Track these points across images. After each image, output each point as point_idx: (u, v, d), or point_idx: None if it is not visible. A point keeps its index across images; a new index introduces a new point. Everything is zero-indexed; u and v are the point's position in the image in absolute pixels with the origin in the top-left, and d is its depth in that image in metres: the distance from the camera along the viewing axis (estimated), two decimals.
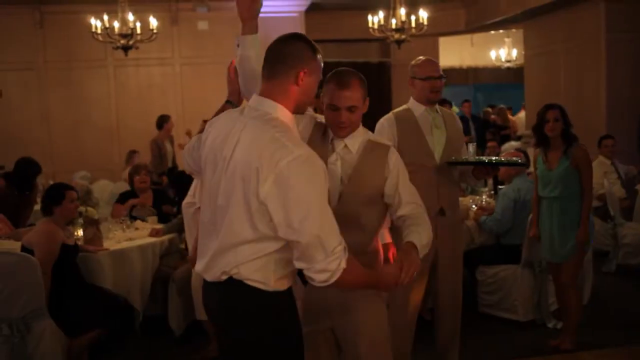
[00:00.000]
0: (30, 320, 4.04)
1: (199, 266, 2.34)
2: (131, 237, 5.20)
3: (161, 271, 5.27)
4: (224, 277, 2.22)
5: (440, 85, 3.78)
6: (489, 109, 14.04)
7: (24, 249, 4.30)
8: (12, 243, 4.91)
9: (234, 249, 2.18)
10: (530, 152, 5.62)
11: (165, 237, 5.36)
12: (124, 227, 5.40)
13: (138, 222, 5.66)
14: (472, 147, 3.65)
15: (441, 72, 3.80)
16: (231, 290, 2.22)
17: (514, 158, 4.37)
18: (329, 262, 2.07)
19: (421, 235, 2.54)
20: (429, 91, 3.77)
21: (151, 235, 5.32)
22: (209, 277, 2.29)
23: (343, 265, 2.09)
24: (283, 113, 2.22)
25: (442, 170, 3.74)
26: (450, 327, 3.92)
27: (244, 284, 2.18)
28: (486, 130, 12.28)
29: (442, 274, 3.85)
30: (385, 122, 3.85)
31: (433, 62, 3.83)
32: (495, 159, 3.77)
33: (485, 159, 3.75)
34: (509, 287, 5.23)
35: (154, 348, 5.04)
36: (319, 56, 2.37)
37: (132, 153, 9.48)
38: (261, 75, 2.29)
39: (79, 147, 10.97)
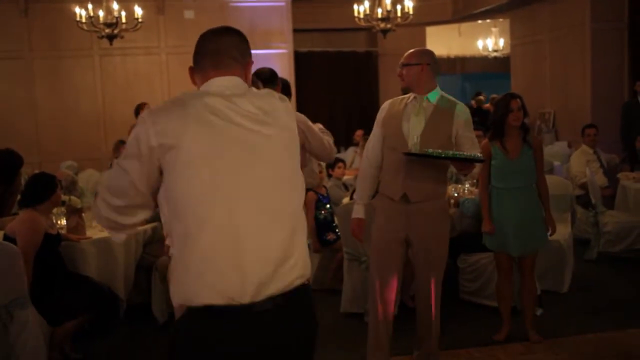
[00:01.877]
0: (12, 308, 4.04)
1: (243, 290, 1.87)
2: None
3: (144, 259, 5.30)
4: (298, 282, 1.98)
5: (398, 73, 3.91)
6: (482, 98, 14.03)
7: (6, 237, 4.30)
8: None
9: (294, 236, 2.00)
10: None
11: (148, 226, 5.37)
12: None
13: None
14: (416, 138, 3.71)
15: (403, 62, 3.89)
16: (303, 299, 2.00)
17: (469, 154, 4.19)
18: None
19: None
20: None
21: None
22: (272, 290, 1.91)
23: None
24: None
25: (410, 158, 3.77)
26: (429, 314, 3.97)
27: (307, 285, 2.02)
28: (483, 119, 12.23)
29: (415, 261, 3.93)
30: (383, 106, 4.05)
31: (408, 52, 3.95)
32: (452, 153, 3.72)
33: (440, 152, 3.66)
34: (490, 275, 5.28)
35: (138, 336, 5.07)
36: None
37: (120, 143, 9.45)
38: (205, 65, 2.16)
39: (66, 137, 10.94)
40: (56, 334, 4.30)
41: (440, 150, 3.69)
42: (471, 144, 3.85)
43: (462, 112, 3.88)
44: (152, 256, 5.29)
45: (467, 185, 5.97)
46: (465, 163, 3.71)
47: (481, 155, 3.83)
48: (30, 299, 4.12)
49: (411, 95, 3.88)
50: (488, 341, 4.69)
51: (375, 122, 4.03)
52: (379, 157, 3.95)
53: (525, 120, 4.51)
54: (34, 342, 4.08)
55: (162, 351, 4.51)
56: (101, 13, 8.63)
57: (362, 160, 4.14)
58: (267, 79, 4.03)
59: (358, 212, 3.99)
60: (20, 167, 6.64)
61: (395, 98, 4.03)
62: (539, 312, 5.01)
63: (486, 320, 5.05)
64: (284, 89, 4.37)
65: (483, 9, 12.31)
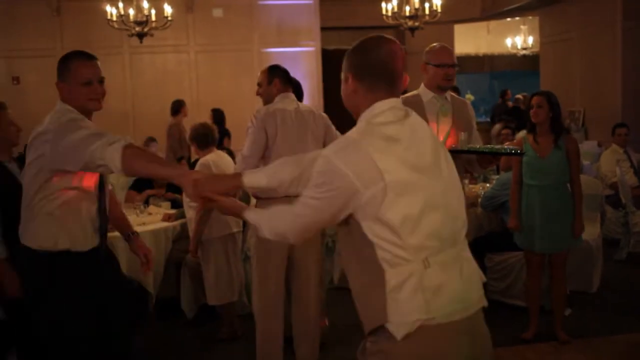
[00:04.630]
0: None
1: (442, 310, 1.93)
2: (144, 222, 5.29)
3: (173, 255, 5.37)
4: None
5: (452, 73, 3.79)
6: (520, 97, 13.86)
7: None
8: None
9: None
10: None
11: (178, 222, 5.44)
12: (138, 212, 5.49)
13: (151, 207, 5.75)
14: (463, 135, 3.66)
15: (455, 60, 3.82)
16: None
17: (509, 147, 4.26)
18: None
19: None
20: (441, 78, 3.79)
21: (164, 220, 5.41)
22: (475, 308, 2.07)
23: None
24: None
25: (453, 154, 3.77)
26: None
27: None
28: (517, 118, 12.13)
29: None
30: None
31: (447, 50, 3.84)
32: (488, 147, 3.76)
33: (480, 147, 3.73)
34: (517, 274, 5.26)
35: (166, 330, 5.14)
36: (70, 64, 2.86)
37: (150, 141, 9.55)
38: None
39: None
40: None
41: (479, 145, 3.73)
42: (478, 139, 3.97)
43: (471, 107, 4.03)
44: (181, 252, 5.35)
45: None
46: (497, 157, 3.74)
47: (520, 149, 3.88)
48: None
49: (428, 95, 3.84)
50: (516, 340, 4.68)
51: None
52: None
53: (562, 120, 4.50)
54: None
55: (191, 345, 4.59)
56: (131, 11, 8.72)
57: None
58: (287, 78, 4.13)
59: None
60: None
61: (404, 98, 3.83)
62: (567, 312, 4.98)
63: (513, 320, 5.03)
64: (297, 89, 4.41)
65: (512, 7, 12.21)
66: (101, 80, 2.85)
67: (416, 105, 3.83)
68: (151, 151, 3.45)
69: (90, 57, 2.86)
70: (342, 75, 2.19)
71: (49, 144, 2.66)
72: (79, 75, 2.78)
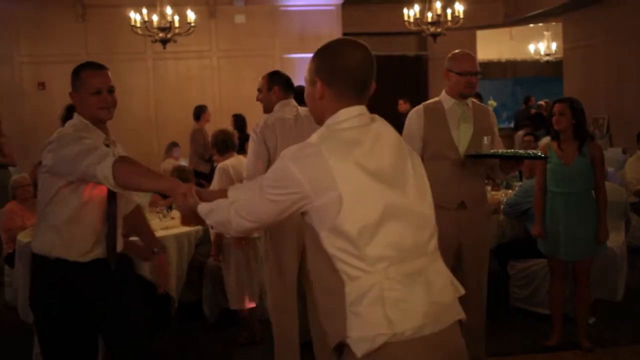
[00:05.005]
0: None
1: (414, 327, 1.83)
2: (167, 226, 5.31)
3: (196, 259, 5.39)
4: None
5: (475, 81, 3.79)
6: (542, 103, 13.76)
7: None
8: None
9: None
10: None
11: (200, 227, 5.46)
12: (161, 216, 5.53)
13: (174, 212, 5.78)
14: (486, 140, 3.64)
15: (478, 68, 3.82)
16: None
17: (532, 152, 4.25)
18: None
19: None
20: (463, 86, 3.79)
21: (151, 202, 5.45)
22: (448, 322, 1.93)
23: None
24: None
25: (466, 164, 3.77)
26: (475, 320, 3.94)
27: None
28: (540, 124, 12.04)
29: (466, 266, 3.89)
30: (414, 113, 3.93)
31: (470, 57, 3.84)
32: (511, 152, 3.76)
33: (502, 152, 3.73)
34: (541, 281, 5.22)
35: (188, 333, 5.17)
36: (80, 74, 2.86)
37: (173, 145, 9.63)
38: None
39: (119, 138, 11.03)
40: None
41: (501, 150, 3.72)
42: (500, 145, 3.94)
43: (493, 113, 4.02)
44: (203, 256, 5.38)
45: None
46: (518, 162, 3.73)
47: (543, 153, 3.88)
48: None
49: (450, 101, 3.83)
50: (538, 348, 4.63)
51: (411, 131, 3.88)
52: None
53: (588, 127, 4.46)
54: None
55: (212, 349, 4.61)
56: (155, 18, 8.81)
57: None
58: (287, 85, 4.16)
59: None
60: None
61: (426, 105, 3.94)
62: (591, 320, 4.92)
63: (536, 328, 4.99)
64: (301, 95, 4.43)
65: (535, 13, 12.14)
66: (111, 90, 2.86)
67: (437, 112, 3.83)
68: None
69: (99, 67, 2.87)
70: (308, 79, 2.06)
71: (52, 154, 2.72)
72: (88, 85, 2.81)
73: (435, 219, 2.06)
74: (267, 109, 4.15)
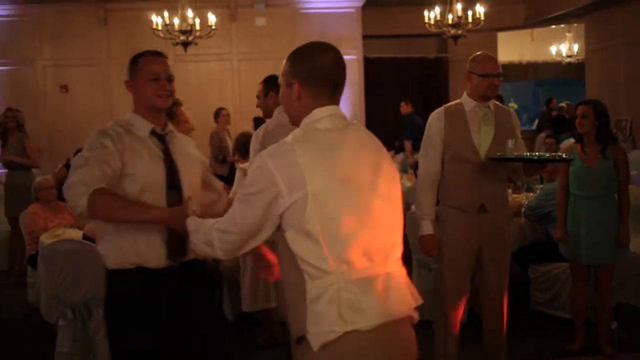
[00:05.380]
0: (92, 305, 4.23)
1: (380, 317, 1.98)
2: None
3: (215, 260, 5.42)
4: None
5: (497, 83, 3.77)
6: (564, 105, 13.66)
7: (85, 237, 4.48)
8: (75, 232, 5.11)
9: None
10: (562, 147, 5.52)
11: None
12: None
13: None
14: (511, 143, 3.62)
15: (499, 70, 3.79)
16: None
17: (555, 154, 4.20)
18: None
19: None
20: (485, 88, 3.76)
21: None
22: (399, 317, 2.08)
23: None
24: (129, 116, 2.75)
25: (487, 167, 3.74)
26: (494, 323, 3.92)
27: None
28: (562, 126, 11.95)
29: (486, 269, 3.86)
30: (435, 116, 3.90)
31: (492, 59, 3.81)
32: (537, 155, 3.74)
33: (526, 154, 3.71)
34: (562, 285, 5.18)
35: None
36: (138, 61, 2.73)
37: None
38: None
39: None
40: None
41: (525, 153, 3.70)
42: (523, 148, 3.90)
43: (516, 116, 3.97)
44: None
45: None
46: (542, 165, 3.70)
47: (567, 155, 3.85)
48: None
49: (471, 104, 3.81)
50: (559, 353, 4.60)
51: (431, 133, 3.86)
52: (440, 169, 3.85)
53: (609, 130, 4.42)
54: None
55: (231, 350, 4.61)
56: (176, 21, 8.87)
57: (420, 173, 3.95)
58: None
59: (428, 228, 3.83)
60: None
61: (447, 107, 3.92)
62: (614, 325, 4.88)
63: (558, 332, 4.95)
64: None
65: (557, 14, 12.05)
66: (170, 78, 2.73)
67: (458, 114, 3.82)
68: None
69: (158, 54, 2.78)
70: (284, 81, 2.12)
71: None
72: (147, 71, 2.68)
73: (401, 227, 2.13)
74: (267, 115, 4.15)
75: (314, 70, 2.05)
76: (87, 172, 2.42)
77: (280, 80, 2.13)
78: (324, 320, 1.91)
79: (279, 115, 4.00)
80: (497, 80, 3.77)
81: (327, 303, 1.91)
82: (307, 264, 1.94)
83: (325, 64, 2.07)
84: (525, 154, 3.75)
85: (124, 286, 2.58)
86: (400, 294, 2.06)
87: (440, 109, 3.93)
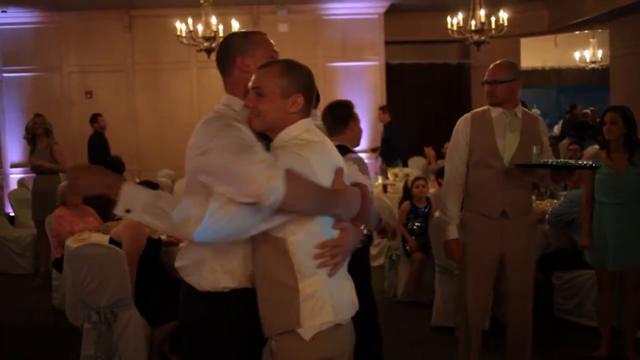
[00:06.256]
0: (117, 309, 4.27)
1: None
2: None
3: None
4: None
5: (490, 89, 3.78)
6: (588, 111, 13.53)
7: (112, 241, 4.52)
8: (101, 236, 5.16)
9: None
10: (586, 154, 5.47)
11: None
12: None
13: None
14: (536, 150, 3.60)
15: (494, 77, 3.77)
16: None
17: (585, 161, 4.16)
18: None
19: None
20: (486, 95, 3.83)
21: None
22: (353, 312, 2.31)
23: None
24: (230, 100, 2.37)
25: (510, 174, 3.73)
26: (518, 330, 3.90)
27: None
28: (585, 133, 11.83)
29: (510, 277, 3.85)
30: (462, 121, 3.93)
31: (494, 66, 3.84)
32: (561, 162, 3.72)
33: (552, 161, 3.69)
34: (587, 292, 5.13)
35: None
36: (252, 37, 2.44)
37: None
38: None
39: (163, 146, 11.36)
40: (156, 334, 4.48)
41: (551, 160, 3.69)
42: (550, 155, 3.91)
43: (543, 122, 3.95)
44: None
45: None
46: (570, 172, 3.68)
47: (594, 162, 3.85)
48: (133, 300, 4.33)
49: (497, 110, 3.81)
50: None
51: (457, 138, 3.90)
52: (465, 173, 3.88)
53: (636, 136, 4.38)
54: (136, 342, 4.29)
55: None
56: (200, 27, 8.94)
57: (446, 177, 3.98)
58: None
59: (453, 232, 3.85)
60: (122, 172, 7.01)
61: (473, 113, 3.94)
62: (639, 333, 4.82)
63: (582, 339, 4.91)
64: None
65: (581, 19, 11.96)
66: None
67: (485, 120, 3.81)
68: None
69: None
70: (279, 92, 2.16)
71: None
72: (267, 49, 2.41)
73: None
74: None
75: (307, 83, 2.22)
76: (261, 153, 2.07)
77: (271, 91, 2.16)
78: (319, 314, 2.11)
79: None
80: (490, 86, 3.78)
81: (322, 299, 2.12)
82: (302, 264, 2.10)
83: (312, 78, 2.26)
84: (550, 160, 3.73)
85: (223, 309, 2.27)
86: (352, 290, 2.32)
87: (467, 115, 3.95)
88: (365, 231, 2.32)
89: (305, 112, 2.22)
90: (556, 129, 13.58)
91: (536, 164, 3.62)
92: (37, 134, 7.38)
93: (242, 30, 2.56)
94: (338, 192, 2.14)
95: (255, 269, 2.20)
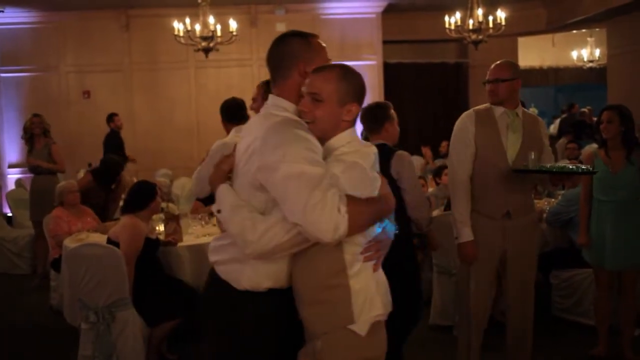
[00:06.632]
0: (114, 309, 4.26)
1: None
2: (209, 233, 5.36)
3: None
4: None
5: (493, 88, 3.76)
6: (585, 110, 13.53)
7: (109, 241, 4.52)
8: (99, 236, 5.15)
9: None
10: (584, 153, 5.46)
11: None
12: (203, 223, 5.59)
13: (216, 219, 5.84)
14: (533, 155, 3.59)
15: (496, 75, 3.76)
16: None
17: (580, 166, 4.10)
18: None
19: None
20: (487, 94, 3.81)
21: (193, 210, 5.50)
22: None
23: None
24: (280, 102, 2.28)
25: (513, 174, 3.73)
26: (519, 329, 3.90)
27: None
28: (582, 132, 11.84)
29: (511, 276, 3.85)
30: (466, 118, 3.88)
31: (495, 66, 3.83)
32: (558, 167, 3.69)
33: (550, 166, 3.65)
34: (585, 291, 5.14)
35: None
36: (312, 41, 2.36)
37: None
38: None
39: (161, 146, 11.36)
40: (153, 334, 4.48)
41: (550, 165, 3.67)
42: (550, 155, 3.90)
43: (543, 123, 3.95)
44: None
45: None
46: (570, 176, 3.68)
47: (591, 167, 3.82)
48: (131, 300, 4.32)
49: (499, 110, 3.79)
50: (581, 359, 4.56)
51: (462, 136, 3.82)
52: (471, 172, 3.81)
53: (634, 134, 4.38)
54: (134, 341, 4.28)
55: None
56: (198, 27, 8.92)
57: (454, 176, 3.86)
58: None
59: (468, 234, 3.76)
60: (119, 173, 7.00)
61: (477, 110, 3.88)
62: (637, 332, 4.82)
63: (580, 338, 4.92)
64: None
65: (579, 19, 11.97)
66: None
67: (488, 118, 3.79)
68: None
69: None
70: (335, 99, 2.16)
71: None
72: (323, 58, 2.35)
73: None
74: None
75: (361, 91, 2.24)
76: (329, 190, 2.02)
77: (328, 97, 2.15)
78: (371, 308, 2.15)
79: None
80: (492, 85, 3.77)
81: (371, 293, 2.17)
82: (351, 262, 2.14)
83: (364, 85, 2.26)
84: (549, 165, 3.70)
85: (261, 308, 2.25)
86: None
87: (470, 111, 3.91)
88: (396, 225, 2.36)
89: (355, 122, 2.25)
90: (552, 128, 13.58)
91: (534, 169, 3.61)
92: (34, 134, 7.37)
93: (300, 31, 2.42)
94: (385, 196, 2.20)
95: (299, 273, 2.19)
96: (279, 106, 2.26)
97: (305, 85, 2.18)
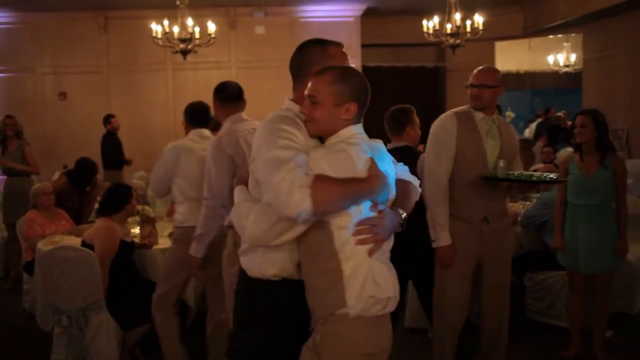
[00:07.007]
0: (88, 312, 4.23)
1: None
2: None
3: None
4: None
5: (475, 93, 3.76)
6: (561, 114, 13.65)
7: (84, 244, 4.48)
8: (72, 239, 5.11)
9: None
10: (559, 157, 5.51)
11: None
12: None
13: None
14: (502, 163, 3.62)
15: (479, 81, 3.76)
16: None
17: (547, 174, 4.11)
18: None
19: None
20: (469, 98, 3.81)
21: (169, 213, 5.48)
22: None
23: None
24: (291, 106, 2.42)
25: (492, 181, 3.74)
26: (495, 331, 3.93)
27: None
28: (557, 136, 11.92)
29: (487, 279, 3.88)
30: (446, 120, 3.83)
31: (478, 70, 3.84)
32: (526, 175, 3.70)
33: (518, 175, 3.67)
34: (558, 294, 5.19)
35: (205, 344, 5.17)
36: (328, 48, 2.46)
37: None
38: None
39: (138, 148, 11.27)
40: (127, 338, 4.45)
41: (518, 173, 3.69)
42: (519, 163, 3.95)
43: (514, 129, 3.99)
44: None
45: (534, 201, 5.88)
46: (538, 185, 3.70)
47: (560, 176, 3.88)
48: (105, 303, 4.29)
49: (479, 115, 3.79)
50: None
51: (443, 137, 3.77)
52: (450, 175, 3.77)
53: (607, 139, 4.43)
54: (107, 345, 4.26)
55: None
56: (176, 29, 8.90)
57: (434, 178, 3.77)
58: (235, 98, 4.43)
59: (446, 238, 3.74)
60: (94, 175, 6.95)
61: (457, 112, 3.84)
62: (608, 333, 4.88)
63: (553, 340, 4.96)
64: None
65: (555, 24, 12.09)
66: None
67: (469, 120, 3.78)
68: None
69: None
70: (332, 100, 2.23)
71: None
72: (339, 62, 2.41)
73: None
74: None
75: (361, 91, 2.29)
76: (293, 170, 2.13)
77: (324, 98, 2.23)
78: (363, 290, 2.17)
79: (232, 125, 4.10)
80: (477, 90, 3.75)
81: (364, 276, 2.18)
82: (344, 245, 2.17)
83: (367, 85, 2.32)
84: (517, 173, 3.70)
85: (269, 297, 2.35)
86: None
87: (450, 113, 3.88)
88: (404, 215, 2.35)
89: (358, 119, 2.29)
90: (527, 132, 13.69)
91: (502, 177, 3.63)
92: (7, 136, 7.30)
93: (321, 39, 2.53)
94: (371, 177, 2.17)
95: (301, 258, 2.28)
96: (284, 108, 2.41)
97: (306, 88, 2.29)
